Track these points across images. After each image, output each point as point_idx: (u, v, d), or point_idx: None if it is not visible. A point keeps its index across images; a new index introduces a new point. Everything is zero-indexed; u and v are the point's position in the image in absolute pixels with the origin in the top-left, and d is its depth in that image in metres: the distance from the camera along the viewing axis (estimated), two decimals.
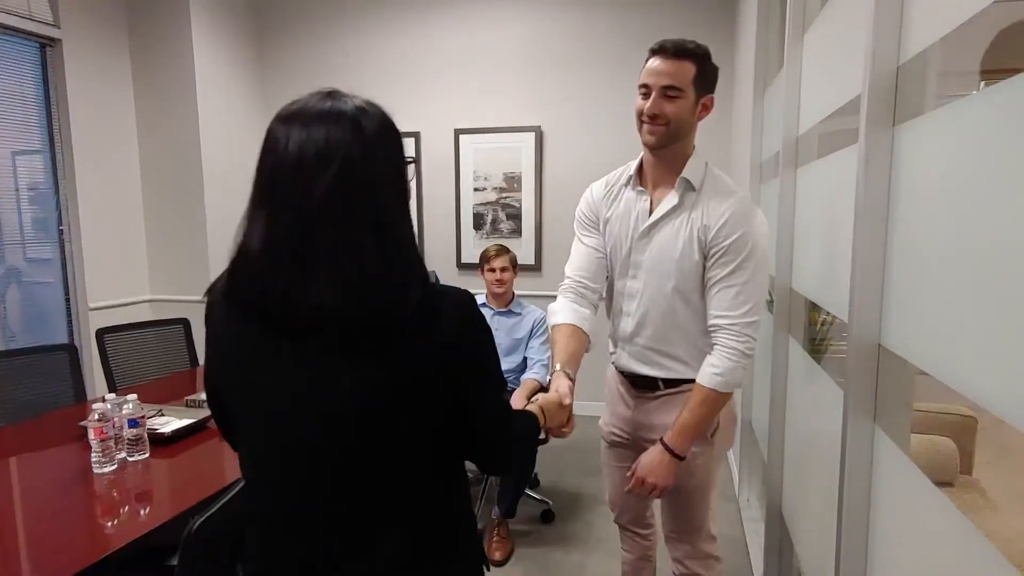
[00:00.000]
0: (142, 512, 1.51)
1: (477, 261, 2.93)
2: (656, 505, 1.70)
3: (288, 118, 0.81)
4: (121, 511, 1.52)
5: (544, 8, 4.02)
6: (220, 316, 0.90)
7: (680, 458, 1.41)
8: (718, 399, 1.39)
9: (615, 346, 1.60)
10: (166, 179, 4.05)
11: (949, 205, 0.83)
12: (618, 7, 3.92)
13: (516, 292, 2.92)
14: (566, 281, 1.59)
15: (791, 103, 1.84)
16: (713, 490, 1.56)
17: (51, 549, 1.32)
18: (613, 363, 1.63)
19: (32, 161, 3.53)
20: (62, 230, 3.66)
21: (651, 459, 1.43)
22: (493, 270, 2.81)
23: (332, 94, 0.83)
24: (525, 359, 2.82)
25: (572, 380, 1.40)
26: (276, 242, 0.79)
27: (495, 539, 2.55)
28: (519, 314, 2.87)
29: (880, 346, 1.05)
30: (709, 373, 1.38)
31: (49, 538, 1.37)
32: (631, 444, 1.61)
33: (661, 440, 1.43)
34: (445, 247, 4.31)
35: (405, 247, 0.82)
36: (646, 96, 1.36)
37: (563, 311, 1.55)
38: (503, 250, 2.84)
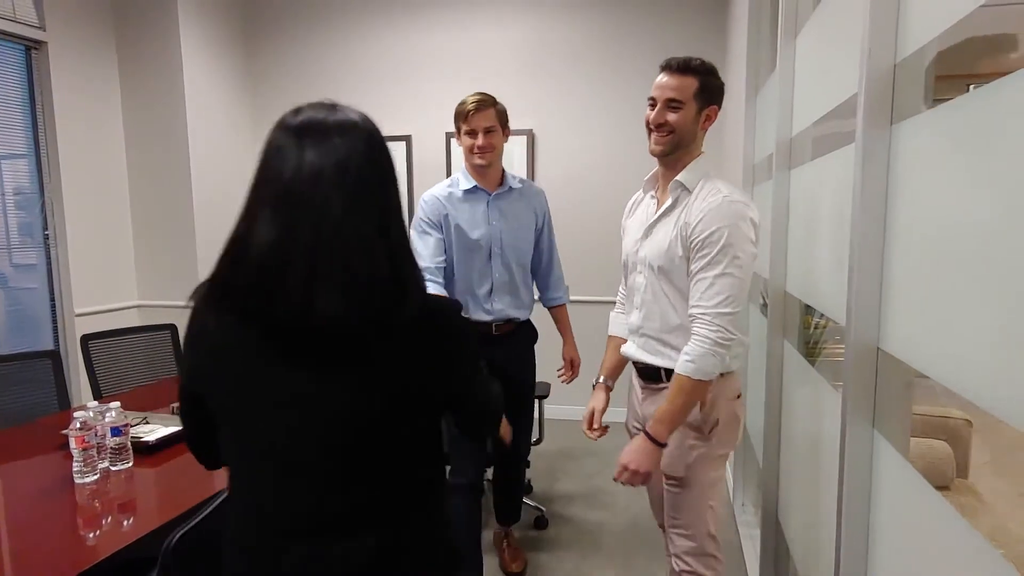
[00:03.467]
0: (124, 523, 1.48)
1: None
2: None
3: (299, 131, 0.83)
4: (103, 522, 1.48)
5: (536, 12, 4.02)
6: (210, 323, 0.88)
7: (661, 445, 1.48)
8: (693, 387, 1.44)
9: (629, 338, 1.72)
10: (154, 183, 4.00)
11: (948, 204, 0.81)
12: (610, 11, 3.92)
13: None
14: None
15: (784, 104, 1.83)
16: (712, 488, 1.59)
17: (31, 561, 1.29)
18: (624, 354, 1.74)
19: (17, 165, 3.48)
20: (47, 235, 3.61)
21: (632, 446, 1.51)
22: (473, 132, 2.02)
23: (334, 107, 0.86)
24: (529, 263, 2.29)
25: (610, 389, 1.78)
26: (292, 251, 0.80)
27: (506, 551, 2.48)
28: (518, 190, 2.19)
29: (879, 349, 1.03)
30: (682, 361, 1.45)
31: (29, 549, 1.33)
32: None
33: (643, 428, 1.51)
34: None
35: (406, 249, 0.88)
36: (653, 107, 1.51)
37: (612, 323, 1.86)
38: (486, 101, 2.01)
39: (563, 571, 2.45)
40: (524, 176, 2.33)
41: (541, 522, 2.79)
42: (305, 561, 0.87)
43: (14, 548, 1.34)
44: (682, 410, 1.47)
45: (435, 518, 0.97)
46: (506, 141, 2.11)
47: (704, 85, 1.47)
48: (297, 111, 0.86)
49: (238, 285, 0.83)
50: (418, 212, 2.14)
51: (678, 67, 1.47)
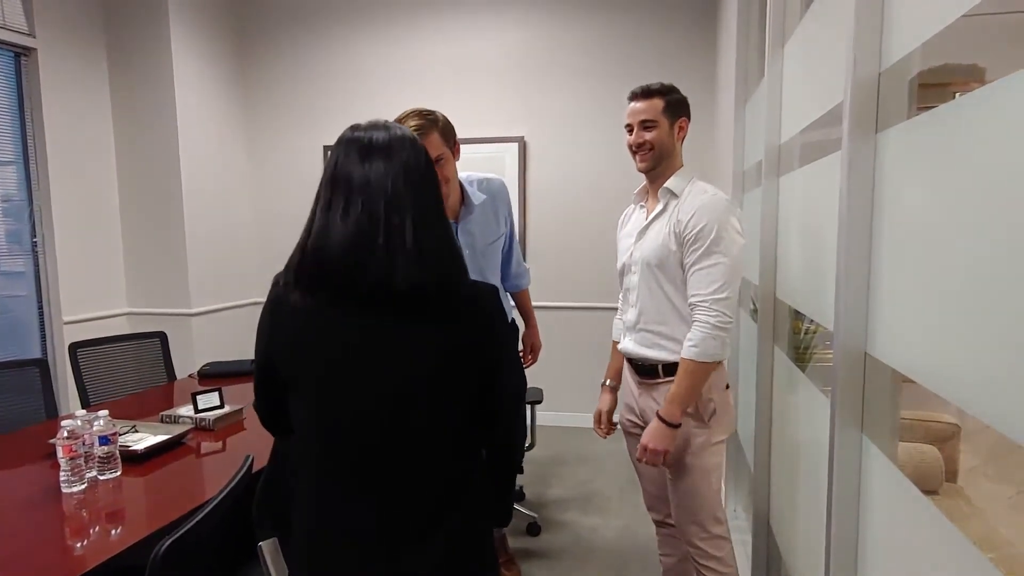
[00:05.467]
0: (112, 532, 1.46)
1: None
2: None
3: (363, 142, 1.05)
4: (91, 531, 1.46)
5: (528, 20, 4.04)
6: (298, 303, 1.03)
7: (674, 426, 1.60)
8: (698, 369, 1.59)
9: (624, 336, 1.82)
10: (144, 190, 3.98)
11: (932, 210, 0.82)
12: (601, 20, 3.95)
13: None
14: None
15: (772, 112, 1.85)
16: (715, 473, 1.71)
17: (18, 571, 1.27)
18: (621, 351, 1.84)
19: (5, 172, 3.46)
20: (36, 242, 3.58)
21: (650, 429, 1.63)
22: None
23: (388, 125, 1.08)
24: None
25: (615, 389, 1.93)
26: (373, 233, 0.99)
27: (502, 561, 2.44)
28: (480, 203, 1.98)
29: (866, 354, 1.04)
30: (686, 346, 1.60)
31: (16, 559, 1.31)
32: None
33: (656, 413, 1.63)
34: None
35: (454, 242, 1.10)
36: (630, 132, 1.70)
37: (615, 329, 1.96)
38: (426, 125, 1.73)
39: None
40: (483, 175, 2.09)
41: (534, 528, 2.78)
42: (370, 516, 1.03)
43: (1, 558, 1.33)
44: (689, 391, 1.60)
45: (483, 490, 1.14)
46: (458, 158, 1.90)
47: (669, 102, 1.67)
48: (356, 128, 1.07)
49: (326, 264, 1.00)
50: None
51: (642, 93, 1.68)
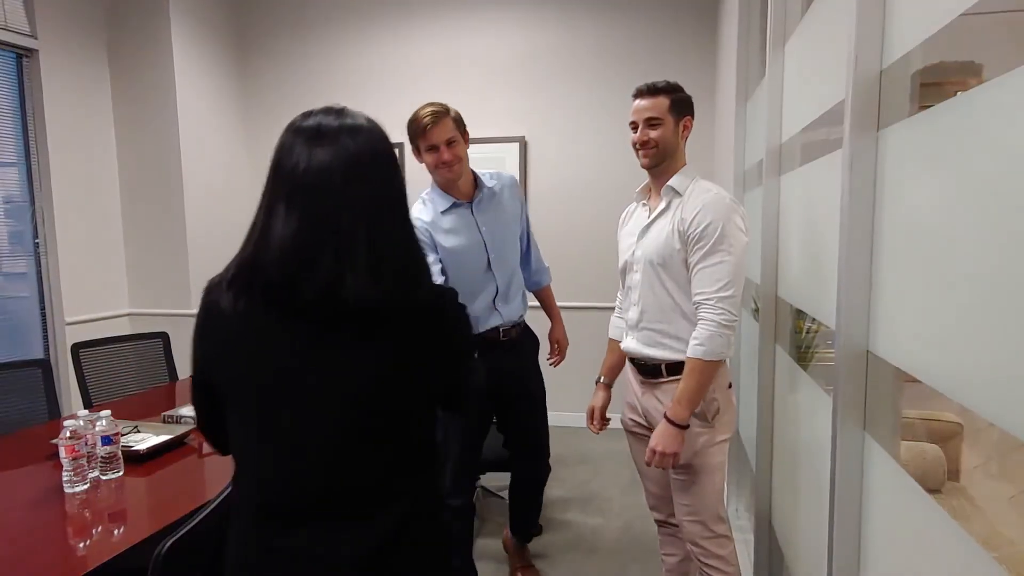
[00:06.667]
0: (115, 532, 1.46)
1: None
2: None
3: (309, 132, 0.91)
4: (93, 531, 1.46)
5: (529, 20, 4.04)
6: (228, 310, 0.92)
7: (683, 427, 1.59)
8: (704, 368, 1.57)
9: (625, 336, 1.81)
10: (145, 191, 3.99)
11: (935, 208, 0.82)
12: (601, 19, 3.95)
13: None
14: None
15: (774, 111, 1.85)
16: (718, 472, 1.70)
17: (21, 571, 1.27)
18: (623, 350, 1.83)
19: (7, 173, 3.46)
20: (38, 243, 3.58)
21: (658, 431, 1.62)
22: (435, 148, 1.91)
23: (343, 111, 0.94)
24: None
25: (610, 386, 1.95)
26: (316, 238, 0.86)
27: (519, 569, 2.44)
28: (493, 188, 2.11)
29: (868, 352, 1.04)
30: (692, 345, 1.59)
31: (18, 559, 1.31)
32: (652, 432, 1.72)
33: (664, 415, 1.62)
34: None
35: (415, 237, 0.97)
36: (635, 129, 1.69)
37: (612, 326, 1.97)
38: (441, 111, 1.90)
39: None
40: (492, 171, 2.20)
41: (536, 528, 2.78)
42: (312, 544, 0.90)
43: (3, 558, 1.33)
44: (697, 390, 1.59)
45: (435, 501, 1.03)
46: (468, 146, 2.03)
47: (674, 101, 1.66)
48: (307, 115, 0.93)
49: (261, 274, 0.88)
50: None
51: (648, 90, 1.67)
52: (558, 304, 2.47)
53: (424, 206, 2.07)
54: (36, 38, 3.44)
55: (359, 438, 0.91)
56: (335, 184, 0.87)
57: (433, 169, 1.99)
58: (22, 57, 3.44)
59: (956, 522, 0.78)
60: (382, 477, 0.93)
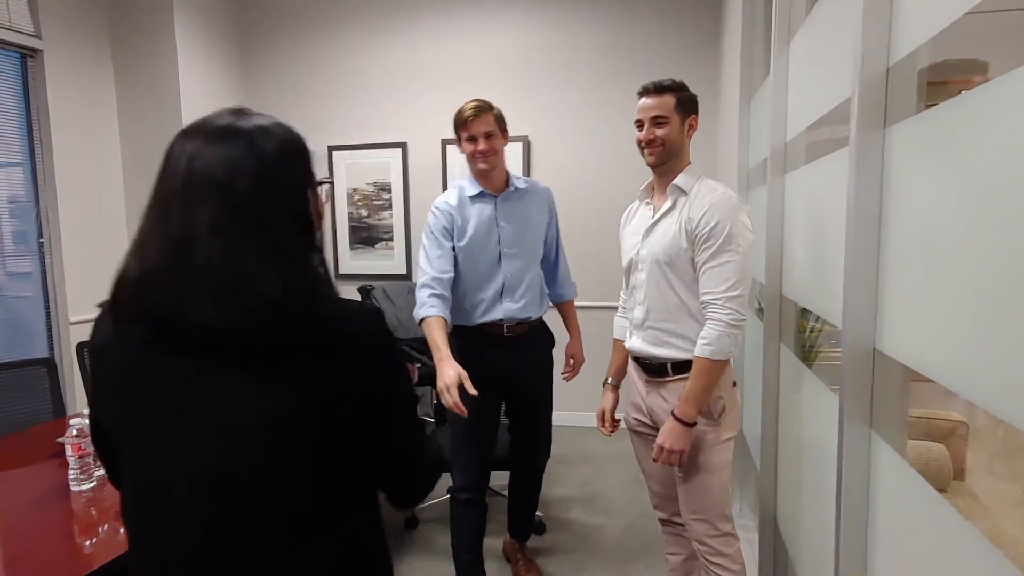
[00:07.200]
0: (121, 530, 1.46)
1: None
2: None
3: (187, 133, 0.80)
4: (99, 530, 1.47)
5: (531, 20, 4.04)
6: (107, 340, 0.82)
7: (690, 425, 1.60)
8: (712, 367, 1.58)
9: (630, 335, 1.81)
10: (150, 189, 3.99)
11: (943, 205, 0.82)
12: (604, 19, 3.95)
13: None
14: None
15: (778, 109, 1.85)
16: (724, 471, 1.71)
17: (27, 569, 1.27)
18: (628, 349, 1.83)
19: (12, 173, 3.47)
20: (42, 243, 3.59)
21: (665, 429, 1.63)
22: (473, 139, 2.04)
23: (237, 111, 0.82)
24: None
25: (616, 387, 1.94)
26: (162, 261, 0.75)
27: (521, 563, 2.46)
28: (524, 190, 2.20)
29: (875, 350, 1.04)
30: (700, 344, 1.59)
31: (25, 558, 1.32)
32: (656, 431, 1.73)
33: (672, 413, 1.63)
34: None
35: (303, 267, 0.80)
36: (641, 128, 1.69)
37: (616, 327, 1.96)
38: (483, 106, 2.05)
39: (562, 575, 2.44)
40: (530, 178, 2.32)
41: (539, 527, 2.78)
42: None
43: (10, 556, 1.33)
44: (704, 389, 1.60)
45: (365, 551, 0.87)
46: (506, 144, 2.16)
47: (680, 99, 1.66)
48: (203, 119, 0.82)
49: (134, 302, 0.77)
50: (430, 220, 2.16)
51: (655, 89, 1.67)
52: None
53: (453, 191, 2.17)
54: (40, 38, 3.45)
55: (257, 490, 0.76)
56: (223, 188, 0.76)
57: (470, 158, 2.10)
58: (26, 57, 3.45)
59: (967, 521, 0.77)
60: (289, 534, 0.77)
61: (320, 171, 4.36)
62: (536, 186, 2.26)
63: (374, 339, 0.83)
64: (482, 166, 2.07)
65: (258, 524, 0.76)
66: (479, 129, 2.03)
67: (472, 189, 2.15)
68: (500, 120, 2.09)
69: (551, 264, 2.36)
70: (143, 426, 0.78)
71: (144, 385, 0.78)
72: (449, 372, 1.80)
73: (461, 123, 2.05)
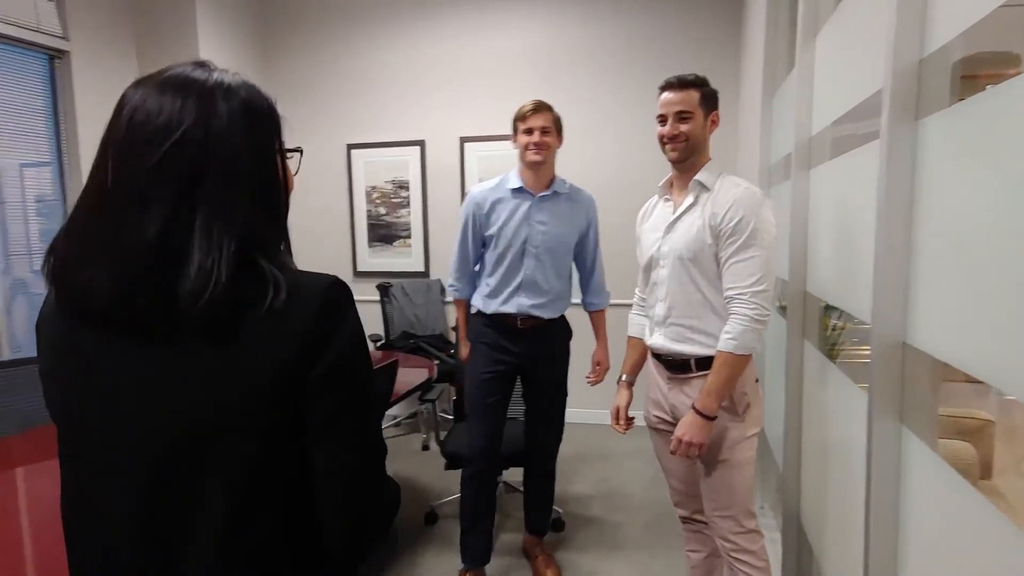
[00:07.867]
0: None
1: None
2: None
3: (140, 81, 0.73)
4: None
5: (550, 17, 4.04)
6: (46, 314, 0.77)
7: (710, 418, 1.59)
8: (736, 361, 1.57)
9: (651, 333, 1.79)
10: None
11: (978, 198, 0.81)
12: (623, 15, 3.93)
13: None
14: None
15: (803, 104, 1.83)
16: (748, 467, 1.69)
17: (58, 560, 1.30)
18: (649, 346, 1.82)
19: (40, 173, 3.54)
20: None
21: (685, 421, 1.63)
22: (531, 131, 2.14)
23: (200, 64, 0.74)
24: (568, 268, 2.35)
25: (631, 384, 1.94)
26: (84, 222, 0.69)
27: (540, 559, 2.45)
28: (565, 194, 2.26)
29: (905, 344, 1.02)
30: (724, 339, 1.58)
31: (56, 548, 1.34)
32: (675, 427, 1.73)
33: (692, 406, 1.62)
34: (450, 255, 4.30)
35: (248, 235, 0.70)
36: (663, 123, 1.68)
37: (631, 324, 1.97)
38: (543, 105, 2.17)
39: (582, 572, 2.44)
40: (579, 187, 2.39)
41: (558, 524, 2.78)
42: None
43: (42, 547, 1.36)
44: (727, 383, 1.59)
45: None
46: (559, 147, 2.25)
47: (704, 94, 1.66)
48: (163, 68, 0.74)
49: (63, 270, 0.71)
50: (461, 211, 2.29)
51: (679, 83, 1.66)
52: (578, 300, 2.50)
53: (496, 179, 2.28)
54: (68, 40, 3.51)
55: (190, 472, 0.70)
56: (175, 143, 0.68)
57: (523, 149, 2.18)
58: (54, 59, 3.52)
59: (1002, 513, 0.76)
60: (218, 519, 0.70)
61: (338, 169, 4.40)
62: (580, 194, 2.33)
63: (321, 314, 0.71)
64: (535, 157, 2.15)
65: (194, 495, 0.70)
66: (537, 123, 2.14)
67: (515, 182, 2.23)
68: (557, 121, 2.21)
69: (587, 273, 2.43)
70: (75, 398, 0.74)
71: (70, 355, 0.73)
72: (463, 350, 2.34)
73: (521, 116, 2.17)
